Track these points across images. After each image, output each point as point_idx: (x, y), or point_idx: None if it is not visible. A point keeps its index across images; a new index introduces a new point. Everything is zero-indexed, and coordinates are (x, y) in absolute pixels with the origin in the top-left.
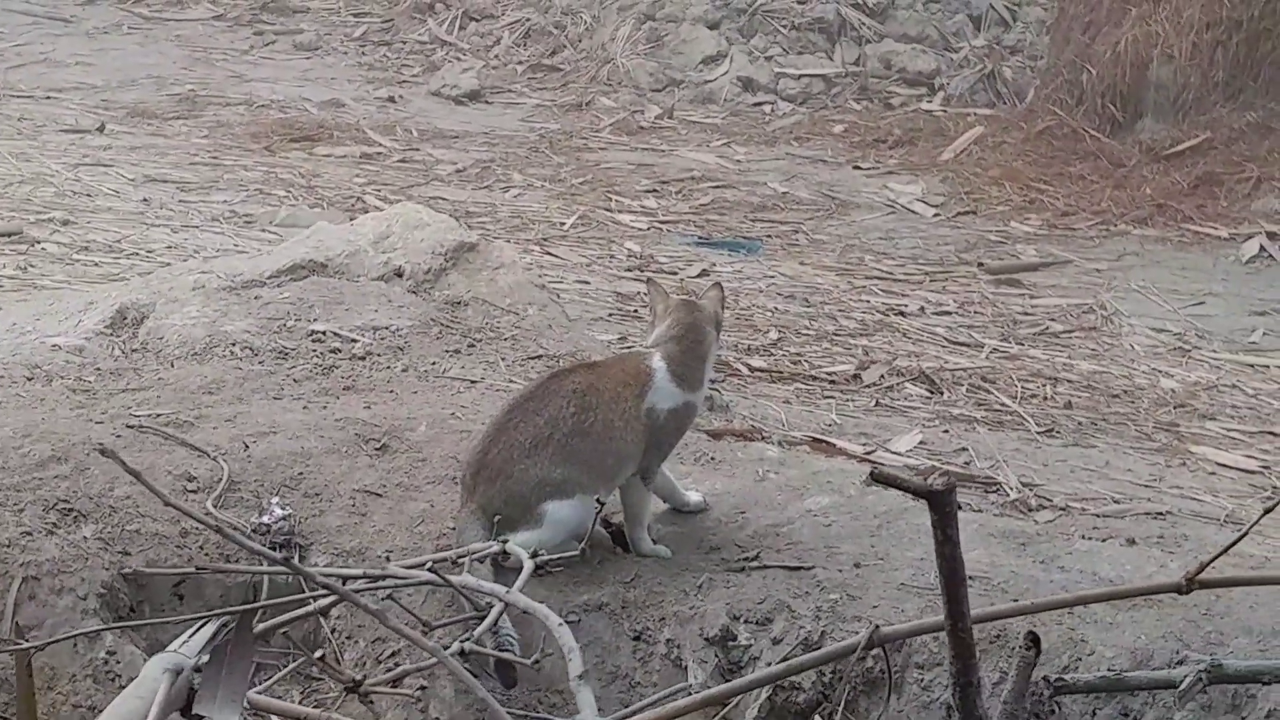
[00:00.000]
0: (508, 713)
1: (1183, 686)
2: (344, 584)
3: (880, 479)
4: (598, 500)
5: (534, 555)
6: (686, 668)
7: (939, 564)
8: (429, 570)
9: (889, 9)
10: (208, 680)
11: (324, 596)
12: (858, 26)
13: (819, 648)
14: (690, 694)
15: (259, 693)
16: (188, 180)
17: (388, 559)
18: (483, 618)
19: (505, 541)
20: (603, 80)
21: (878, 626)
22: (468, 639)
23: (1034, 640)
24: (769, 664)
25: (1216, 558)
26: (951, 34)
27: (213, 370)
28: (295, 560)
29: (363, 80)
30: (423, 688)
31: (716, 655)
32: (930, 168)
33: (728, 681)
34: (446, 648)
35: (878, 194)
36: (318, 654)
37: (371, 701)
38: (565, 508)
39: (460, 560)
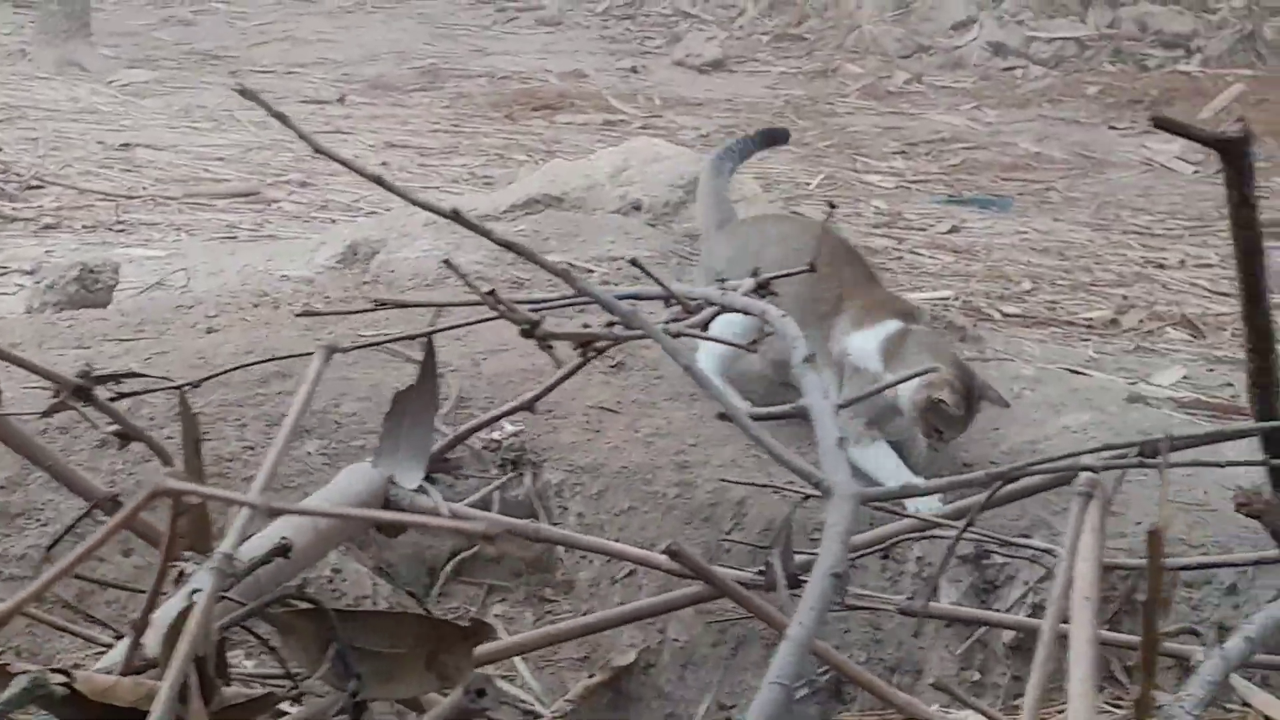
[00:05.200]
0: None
1: None
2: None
3: (1162, 124)
4: None
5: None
6: (937, 586)
7: (1233, 233)
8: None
9: None
10: (387, 434)
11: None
12: None
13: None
14: None
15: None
16: (428, 146)
17: (622, 468)
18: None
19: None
20: (849, 48)
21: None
22: (676, 321)
23: None
24: (1025, 583)
25: None
26: None
27: (442, 296)
28: (528, 477)
29: (604, 52)
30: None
31: (971, 573)
32: None
33: (982, 602)
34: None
35: (1134, 152)
36: (487, 290)
37: (550, 347)
38: None
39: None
